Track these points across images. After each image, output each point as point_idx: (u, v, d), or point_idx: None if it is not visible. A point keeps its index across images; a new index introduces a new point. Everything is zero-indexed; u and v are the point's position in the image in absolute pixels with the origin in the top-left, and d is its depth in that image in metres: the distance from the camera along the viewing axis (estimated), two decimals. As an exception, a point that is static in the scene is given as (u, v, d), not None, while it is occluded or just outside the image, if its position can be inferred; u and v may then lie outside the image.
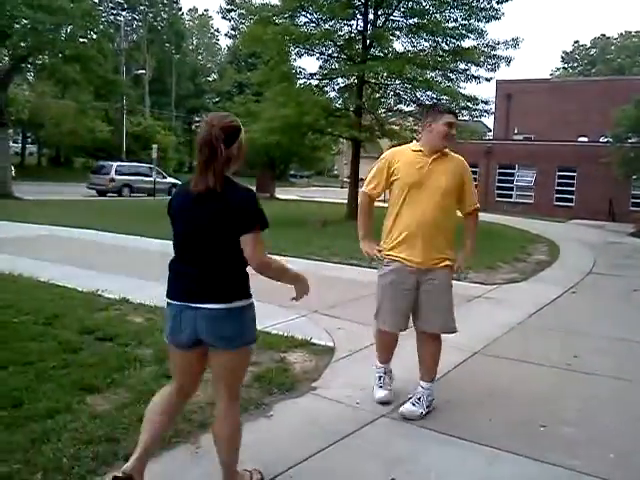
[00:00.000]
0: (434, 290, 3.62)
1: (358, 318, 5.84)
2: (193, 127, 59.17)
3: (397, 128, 17.14)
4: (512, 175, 29.37)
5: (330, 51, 16.71)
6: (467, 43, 15.77)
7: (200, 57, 64.89)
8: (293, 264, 8.83)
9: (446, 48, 15.83)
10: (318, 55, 16.72)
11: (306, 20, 16.41)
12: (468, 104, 16.28)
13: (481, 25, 15.48)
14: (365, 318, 5.81)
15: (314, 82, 17.00)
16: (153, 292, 6.30)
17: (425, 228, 3.57)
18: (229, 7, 16.53)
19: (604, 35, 62.92)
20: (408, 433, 3.46)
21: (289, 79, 16.68)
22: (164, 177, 29.57)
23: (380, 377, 3.94)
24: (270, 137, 15.88)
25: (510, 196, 29.38)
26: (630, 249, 13.82)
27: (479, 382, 4.35)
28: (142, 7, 53.91)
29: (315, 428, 3.48)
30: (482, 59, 15.42)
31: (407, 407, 3.65)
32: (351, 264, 9.20)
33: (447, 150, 3.71)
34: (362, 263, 9.20)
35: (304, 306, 6.18)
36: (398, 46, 16.53)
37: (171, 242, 2.63)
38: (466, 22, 15.43)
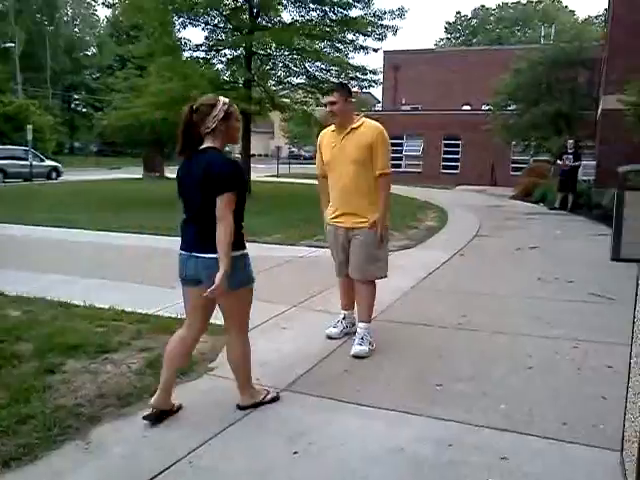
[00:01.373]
0: (357, 245, 4.28)
1: (257, 294, 5.74)
2: (72, 105, 55.71)
3: (288, 101, 16.98)
4: (401, 145, 30.14)
5: (216, 21, 16.12)
6: (354, 13, 15.88)
7: (77, 29, 60.60)
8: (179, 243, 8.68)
9: (334, 18, 15.75)
10: (203, 25, 16.08)
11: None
12: (357, 74, 16.40)
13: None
14: (262, 294, 5.75)
15: (200, 54, 16.39)
16: (34, 284, 5.93)
17: (343, 196, 4.26)
18: (106, -26, 15.47)
19: (483, 6, 65.86)
20: (308, 405, 3.44)
21: (174, 51, 15.96)
22: (42, 160, 27.65)
23: (338, 320, 4.62)
24: (156, 112, 15.21)
25: (399, 165, 30.14)
26: (511, 211, 14.65)
27: (375, 348, 4.41)
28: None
29: (214, 409, 3.38)
30: (369, 29, 15.52)
31: (355, 348, 4.19)
32: (248, 241, 9.04)
33: (362, 121, 4.20)
34: (257, 239, 9.09)
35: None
36: (286, 16, 16.30)
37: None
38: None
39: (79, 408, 3.29)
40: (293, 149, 58.53)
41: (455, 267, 7.49)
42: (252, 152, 17.61)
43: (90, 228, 9.98)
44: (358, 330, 4.32)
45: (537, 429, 3.14)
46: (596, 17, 58.89)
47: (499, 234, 10.32)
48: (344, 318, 4.65)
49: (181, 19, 15.96)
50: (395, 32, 15.68)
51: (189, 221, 3.27)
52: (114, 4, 17.97)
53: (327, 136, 4.39)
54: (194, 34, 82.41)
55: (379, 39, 15.83)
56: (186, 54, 16.58)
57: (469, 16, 65.74)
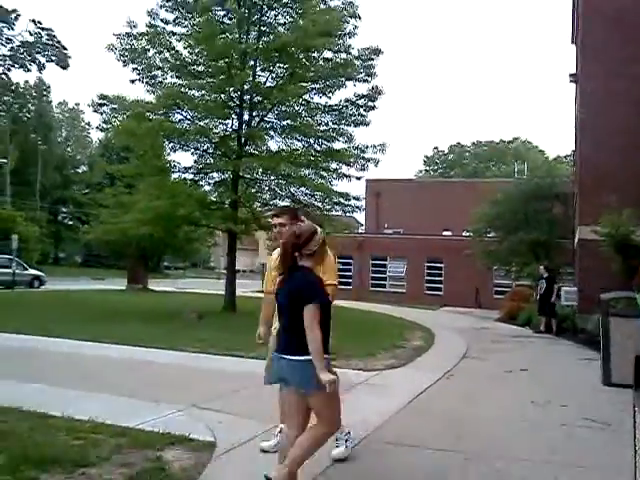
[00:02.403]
0: None
1: (239, 410, 5.58)
2: (59, 217, 56.58)
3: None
4: (384, 266, 30.61)
5: (205, 147, 16.84)
6: (338, 145, 16.68)
7: (69, 149, 62.99)
8: (169, 357, 8.48)
9: (318, 149, 16.59)
10: (193, 150, 16.80)
11: (181, 117, 16.55)
12: (341, 200, 16.95)
13: (350, 129, 16.54)
14: (247, 410, 5.57)
15: (189, 176, 16.93)
16: (11, 394, 5.66)
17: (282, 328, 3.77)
18: (101, 102, 16.15)
19: (459, 143, 69.82)
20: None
21: (163, 172, 16.54)
22: (25, 269, 27.58)
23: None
24: (142, 228, 15.42)
25: (384, 285, 30.44)
26: (497, 334, 14.63)
27: (370, 473, 4.21)
28: (7, 98, 51.96)
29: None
30: (352, 160, 16.30)
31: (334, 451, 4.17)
32: (231, 355, 8.87)
33: None
34: (242, 354, 8.92)
35: (181, 400, 5.83)
36: (273, 145, 17.13)
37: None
38: (336, 126, 16.39)
39: None
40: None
41: (444, 389, 7.33)
42: (237, 268, 17.70)
43: (70, 337, 9.72)
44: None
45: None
46: (565, 157, 62.80)
47: (487, 356, 10.22)
48: (280, 431, 4.15)
49: (171, 144, 16.63)
50: (376, 164, 16.54)
51: (283, 328, 3.74)
52: (108, 128, 18.57)
53: (274, 258, 4.18)
54: (183, 157, 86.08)
55: (362, 169, 16.63)
56: (175, 175, 17.15)
57: (446, 151, 69.60)
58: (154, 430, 4.72)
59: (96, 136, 65.91)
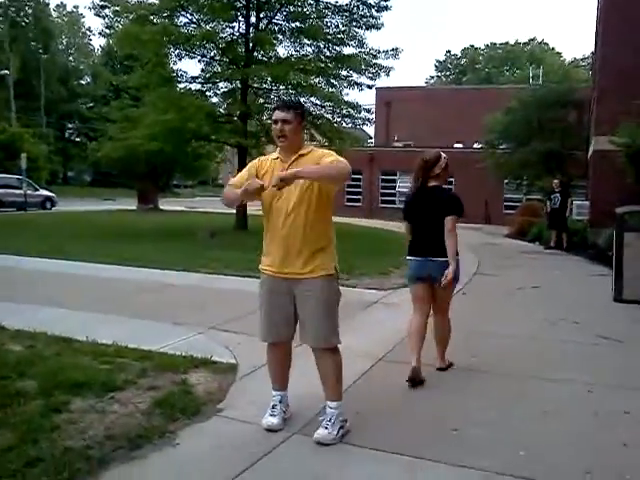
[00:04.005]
0: (311, 302, 3.40)
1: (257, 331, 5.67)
2: (66, 134, 55.62)
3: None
4: (394, 182, 30.37)
5: (212, 54, 16.29)
6: (349, 50, 16.09)
7: (71, 58, 60.82)
8: (185, 279, 8.61)
9: (328, 54, 16.01)
10: (199, 58, 16.26)
11: (186, 20, 15.92)
12: (350, 111, 16.56)
13: (361, 32, 15.87)
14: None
15: (196, 86, 16.52)
16: (34, 318, 5.81)
17: (288, 238, 3.37)
18: (102, 3, 15.48)
19: (472, 46, 67.17)
20: (323, 450, 3.34)
21: (169, 83, 16.12)
22: (36, 189, 27.55)
23: (274, 405, 3.63)
24: (152, 144, 15.21)
25: (393, 202, 30.27)
26: (507, 250, 14.70)
27: (386, 389, 4.33)
28: (2, 0, 49.71)
29: (226, 453, 3.28)
30: (363, 67, 15.75)
31: (320, 432, 3.38)
32: (246, 275, 8.97)
33: (311, 148, 3.48)
34: (256, 274, 9.02)
35: (200, 322, 5.96)
36: (281, 51, 16.53)
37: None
38: (347, 29, 15.71)
39: (88, 450, 3.17)
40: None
41: (459, 306, 7.38)
42: None
43: (88, 260, 9.86)
44: (328, 410, 3.45)
45: (560, 478, 3.06)
46: (582, 59, 60.51)
47: (499, 273, 10.30)
48: (280, 401, 3.65)
49: (177, 51, 16.11)
50: (388, 73, 16.01)
51: (422, 235, 4.55)
52: (110, 34, 17.93)
53: (268, 163, 3.50)
54: (190, 66, 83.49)
55: (373, 77, 16.10)
56: (182, 86, 16.73)
57: (459, 55, 67.12)
58: (176, 353, 4.84)
59: (98, 43, 63.83)
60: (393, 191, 30.35)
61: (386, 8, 15.54)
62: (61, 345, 4.95)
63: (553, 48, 65.95)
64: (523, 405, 4.06)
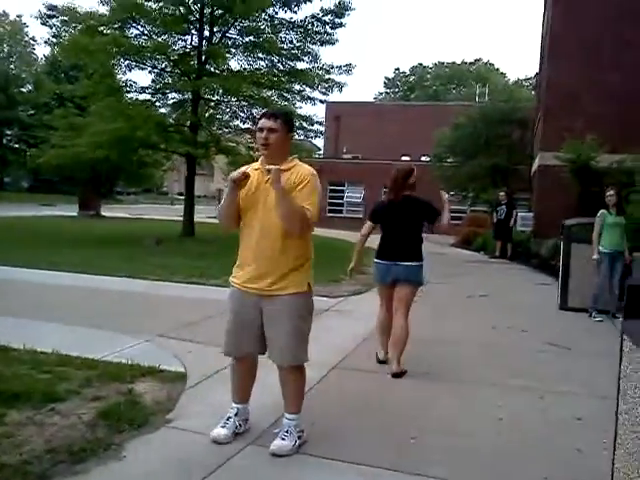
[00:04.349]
0: (281, 318, 3.26)
1: (208, 339, 5.47)
2: (4, 141, 53.62)
3: (233, 145, 16.92)
4: (342, 192, 30.61)
5: (163, 65, 16.02)
6: (302, 65, 16.13)
7: (12, 66, 58.96)
8: (130, 285, 8.32)
9: (282, 68, 15.99)
10: (150, 69, 15.96)
11: (137, 32, 15.63)
12: (304, 124, 16.57)
13: (316, 48, 15.95)
14: (216, 338, 5.45)
15: (146, 96, 16.18)
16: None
17: (261, 251, 3.24)
18: (50, 12, 14.99)
19: (421, 64, 68.44)
20: (279, 461, 3.21)
21: (118, 92, 15.74)
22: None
23: (228, 417, 3.46)
24: (97, 152, 14.75)
25: (341, 211, 30.56)
26: (454, 259, 14.93)
27: (341, 398, 4.24)
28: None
29: (176, 466, 3.10)
30: (316, 82, 15.82)
31: (276, 443, 3.25)
32: (193, 282, 8.77)
33: (295, 163, 3.31)
34: (204, 281, 8.84)
35: (147, 329, 5.73)
36: (234, 64, 16.45)
37: None
38: (301, 44, 15.75)
39: (26, 466, 2.95)
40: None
41: (411, 314, 7.42)
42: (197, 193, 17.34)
43: (26, 266, 9.41)
44: (285, 422, 3.36)
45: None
46: (525, 80, 62.81)
47: (447, 281, 10.39)
48: (236, 414, 3.48)
49: (127, 62, 15.75)
50: (341, 89, 16.12)
51: (392, 241, 4.95)
52: (56, 43, 17.38)
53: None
54: (139, 77, 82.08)
55: (326, 92, 16.19)
56: (130, 96, 16.36)
57: (407, 73, 68.37)
58: (122, 361, 4.62)
59: (42, 52, 61.96)
60: (341, 201, 30.60)
61: (341, 25, 15.71)
62: (-4, 354, 4.64)
63: (498, 68, 68.05)
64: (478, 412, 4.04)
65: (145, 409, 3.74)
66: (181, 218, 16.87)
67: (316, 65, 15.99)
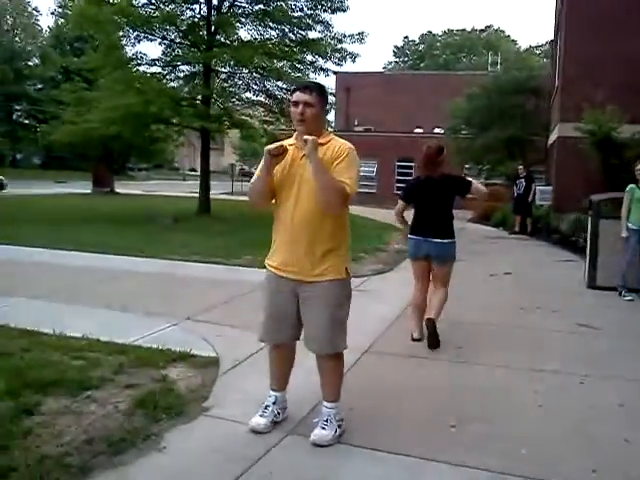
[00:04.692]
0: (317, 306, 3.14)
1: (237, 322, 5.46)
2: (14, 117, 53.50)
3: (247, 118, 16.72)
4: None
5: (173, 36, 15.73)
6: (314, 35, 15.81)
7: (17, 39, 58.34)
8: (151, 266, 8.28)
9: (293, 38, 15.67)
10: (160, 40, 15.68)
11: (144, 1, 15.31)
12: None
13: (327, 16, 15.59)
14: (245, 321, 5.45)
15: (156, 69, 15.94)
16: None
17: (298, 233, 3.09)
18: (56, -18, 14.84)
19: (430, 32, 67.31)
20: (321, 451, 3.15)
21: (127, 65, 15.51)
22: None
23: (266, 406, 3.40)
24: (111, 128, 14.60)
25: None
26: (474, 235, 14.72)
27: (376, 383, 4.18)
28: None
29: (218, 457, 3.06)
30: (329, 52, 15.51)
31: (317, 433, 3.19)
32: (214, 262, 8.72)
33: (330, 137, 3.15)
34: (226, 261, 8.79)
35: (173, 312, 5.69)
36: (245, 34, 16.12)
37: None
38: (312, 12, 15.40)
39: (66, 457, 2.92)
40: (244, 166, 58.00)
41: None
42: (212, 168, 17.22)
43: (46, 247, 9.40)
44: (324, 410, 3.28)
45: (566, 477, 2.97)
46: (536, 47, 61.74)
47: (469, 258, 10.20)
48: (274, 402, 3.41)
49: (135, 33, 15.47)
50: (354, 59, 15.79)
51: (425, 217, 5.09)
52: (63, 14, 17.13)
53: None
54: (149, 48, 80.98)
55: (339, 63, 15.86)
56: (141, 68, 16.12)
57: (417, 41, 67.26)
58: (153, 346, 4.59)
59: (46, 24, 61.17)
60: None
61: (351, -10, 15.24)
62: (26, 339, 4.62)
63: (509, 36, 66.94)
64: (517, 398, 3.97)
65: (181, 397, 3.70)
66: (195, 194, 16.79)
67: (328, 34, 15.67)
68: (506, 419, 3.62)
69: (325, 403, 3.31)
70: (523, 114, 21.30)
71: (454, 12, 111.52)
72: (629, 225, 7.18)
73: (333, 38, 15.57)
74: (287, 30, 15.67)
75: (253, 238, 11.07)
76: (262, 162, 3.11)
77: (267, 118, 16.67)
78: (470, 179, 5.17)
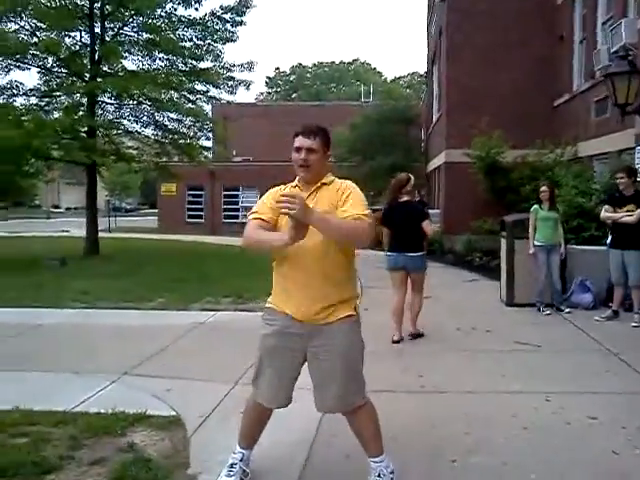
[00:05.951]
0: (332, 356, 2.89)
1: (180, 373, 5.07)
2: None
3: (134, 152, 15.96)
4: (237, 197, 30.02)
5: (50, 65, 14.65)
6: (204, 64, 15.54)
7: None
8: (55, 316, 7.47)
9: (183, 68, 15.26)
10: (38, 69, 14.57)
11: (16, 27, 14.17)
12: (210, 125, 16.07)
13: (219, 46, 15.41)
14: (189, 371, 5.10)
15: (35, 100, 14.75)
16: None
17: (307, 279, 2.85)
18: None
19: (300, 64, 69.01)
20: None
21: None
22: None
23: (232, 464, 3.10)
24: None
25: (237, 217, 29.87)
26: (374, 260, 14.93)
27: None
28: None
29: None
30: (220, 81, 15.29)
31: None
32: (127, 308, 8.08)
33: (332, 178, 2.99)
34: (139, 305, 8.20)
35: (105, 368, 5.15)
36: (131, 64, 15.38)
37: None
38: (202, 42, 15.14)
39: None
40: (114, 201, 55.49)
41: (370, 323, 7.28)
42: (68, 205, 16.08)
43: None
44: (374, 465, 3.02)
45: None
46: (399, 78, 65.57)
47: (379, 285, 10.37)
48: (241, 459, 3.12)
49: (5, 62, 14.25)
50: (248, 86, 15.75)
51: (399, 237, 6.18)
52: None
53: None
54: (21, 77, 75.21)
55: (231, 92, 15.73)
56: (20, 100, 14.84)
57: (288, 72, 68.68)
58: (101, 411, 4.08)
59: None
60: (237, 206, 29.93)
61: (241, 23, 15.25)
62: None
63: (374, 68, 70.37)
64: (500, 424, 3.96)
65: (161, 468, 3.27)
66: (65, 234, 15.61)
67: (217, 64, 15.48)
68: (500, 447, 3.58)
69: (372, 459, 3.05)
70: (404, 142, 22.40)
71: (322, 45, 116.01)
72: (536, 242, 7.64)
73: (222, 67, 15.40)
74: (176, 60, 15.23)
75: (157, 279, 10.50)
76: (277, 240, 2.76)
77: (158, 150, 16.01)
78: (427, 212, 6.50)
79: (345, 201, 2.87)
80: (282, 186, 3.04)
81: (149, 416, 4.03)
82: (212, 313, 7.74)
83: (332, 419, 3.59)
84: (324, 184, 2.95)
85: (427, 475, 3.26)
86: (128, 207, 60.86)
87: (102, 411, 4.08)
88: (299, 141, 2.93)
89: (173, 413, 4.13)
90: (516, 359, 5.57)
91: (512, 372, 5.13)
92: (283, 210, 2.54)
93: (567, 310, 7.58)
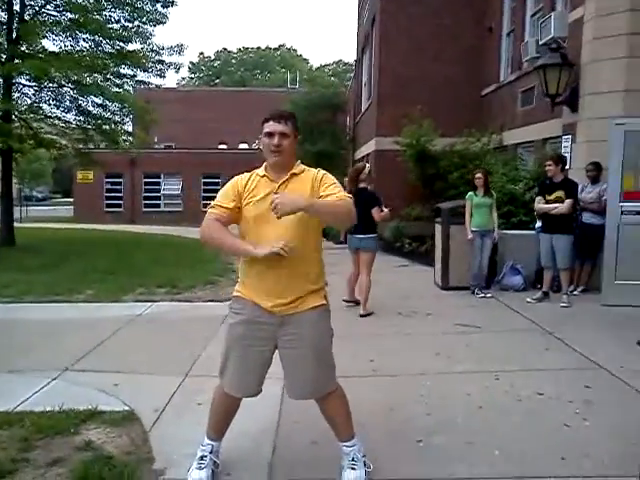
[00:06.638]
0: (303, 344, 2.89)
1: (124, 366, 4.93)
2: None
3: (55, 137, 15.14)
4: (159, 184, 29.16)
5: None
6: (132, 47, 14.88)
7: None
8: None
9: (109, 50, 14.54)
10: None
11: None
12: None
13: (148, 28, 14.81)
14: (132, 364, 4.99)
15: None
16: None
17: (280, 269, 2.80)
18: None
19: (225, 49, 67.53)
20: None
21: None
22: None
23: (202, 456, 3.05)
24: None
25: (158, 205, 29.09)
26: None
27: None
28: None
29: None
30: (149, 64, 14.74)
31: (349, 476, 2.95)
32: (56, 301, 7.68)
33: (302, 167, 2.96)
34: (68, 298, 7.83)
35: (43, 365, 4.89)
36: (53, 46, 14.56)
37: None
38: (130, 24, 14.51)
39: None
40: (24, 190, 52.64)
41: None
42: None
43: None
44: (346, 450, 3.04)
45: (544, 469, 3.12)
46: (324, 66, 65.73)
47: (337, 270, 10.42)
48: (211, 451, 3.08)
49: None
50: (178, 69, 15.26)
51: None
52: None
53: (252, 183, 2.91)
54: None
55: (160, 75, 15.20)
56: None
57: (212, 57, 67.15)
58: (47, 409, 3.87)
59: None
60: (158, 194, 29.06)
61: (172, 3, 14.68)
62: None
63: (300, 54, 70.04)
64: (455, 403, 4.07)
65: (124, 465, 3.14)
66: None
67: (146, 47, 14.89)
68: (461, 426, 3.68)
69: (344, 443, 3.06)
70: (331, 129, 22.51)
71: (247, 30, 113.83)
72: (472, 228, 7.89)
73: (152, 50, 14.85)
74: (102, 41, 14.46)
75: (83, 270, 10.03)
76: (241, 246, 2.83)
77: (80, 137, 15.24)
78: (379, 198, 7.10)
79: (326, 185, 2.88)
80: (246, 174, 2.97)
81: (101, 412, 3.87)
82: (148, 304, 7.50)
83: (292, 405, 3.58)
84: (294, 174, 2.91)
85: (396, 457, 3.30)
86: (40, 196, 57.98)
87: (49, 409, 3.87)
88: (271, 126, 2.87)
89: (126, 408, 3.98)
90: (460, 340, 5.74)
91: (458, 353, 5.28)
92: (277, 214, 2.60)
93: (481, 295, 7.80)
